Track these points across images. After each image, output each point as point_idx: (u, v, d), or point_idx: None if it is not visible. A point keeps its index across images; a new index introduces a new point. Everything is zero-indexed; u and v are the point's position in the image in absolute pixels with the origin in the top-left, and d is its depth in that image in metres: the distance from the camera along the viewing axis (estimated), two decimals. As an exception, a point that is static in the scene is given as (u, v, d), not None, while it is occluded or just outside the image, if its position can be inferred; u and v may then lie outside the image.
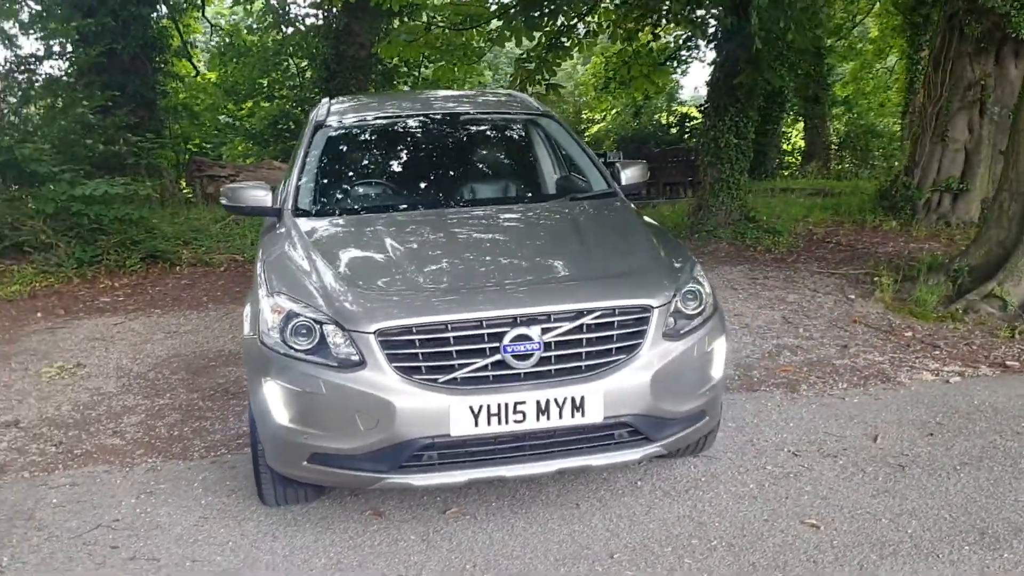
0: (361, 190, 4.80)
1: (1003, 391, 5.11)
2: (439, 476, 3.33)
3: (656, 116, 23.61)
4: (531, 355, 3.27)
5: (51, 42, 13.60)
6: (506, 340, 3.25)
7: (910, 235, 10.41)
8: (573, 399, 3.27)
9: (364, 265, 3.80)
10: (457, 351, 3.26)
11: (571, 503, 3.81)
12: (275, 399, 3.38)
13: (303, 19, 19.07)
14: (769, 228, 10.24)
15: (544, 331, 3.29)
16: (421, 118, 5.26)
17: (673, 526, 3.58)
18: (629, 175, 4.74)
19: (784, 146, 23.10)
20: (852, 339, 6.25)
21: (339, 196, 4.69)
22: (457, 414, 3.20)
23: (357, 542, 3.56)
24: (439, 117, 5.24)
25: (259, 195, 4.45)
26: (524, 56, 11.37)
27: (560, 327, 3.31)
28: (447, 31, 11.55)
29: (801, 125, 23.46)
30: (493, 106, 5.51)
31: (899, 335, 6.29)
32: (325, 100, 5.54)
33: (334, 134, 5.01)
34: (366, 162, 5.03)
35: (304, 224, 4.22)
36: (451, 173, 4.90)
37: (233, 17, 22.09)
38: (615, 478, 4.04)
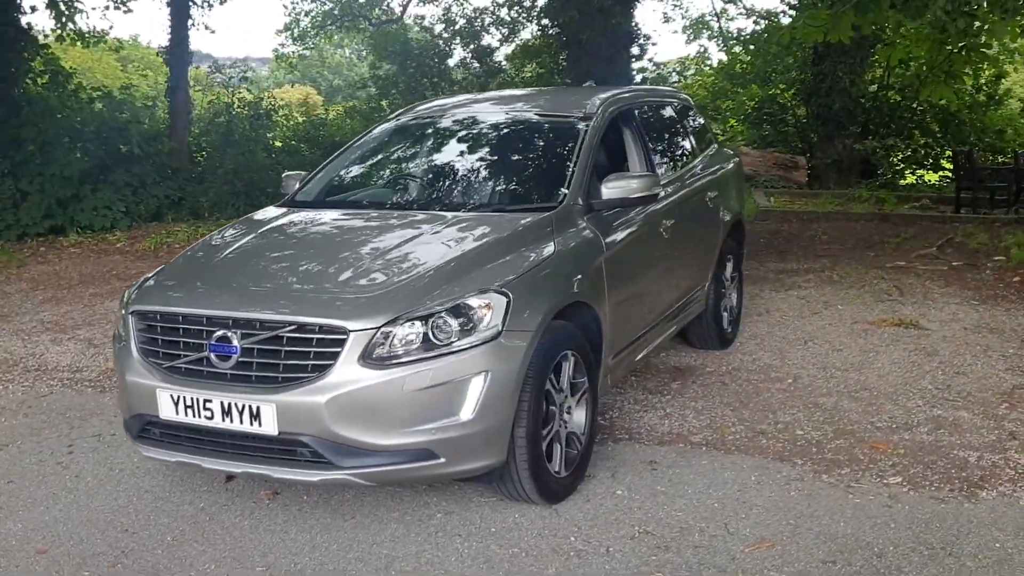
0: (348, 185, 4.97)
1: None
2: (157, 452, 3.68)
3: None
4: (230, 357, 3.41)
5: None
6: (212, 339, 3.45)
7: None
8: (250, 407, 3.35)
9: (207, 255, 4.19)
10: (184, 342, 3.56)
11: (353, 514, 3.74)
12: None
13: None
14: None
15: (244, 337, 3.40)
16: (459, 120, 5.14)
17: (355, 561, 3.37)
18: (609, 189, 4.27)
19: None
20: (1052, 428, 4.49)
21: (329, 190, 4.89)
22: (162, 400, 3.52)
23: (202, 506, 3.93)
24: (468, 120, 5.10)
25: (290, 183, 5.01)
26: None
27: (260, 335, 3.39)
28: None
29: None
30: (542, 109, 5.08)
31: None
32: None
33: (377, 132, 5.25)
34: (377, 159, 5.17)
35: (264, 213, 4.69)
36: (432, 176, 4.85)
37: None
38: (435, 500, 3.83)
